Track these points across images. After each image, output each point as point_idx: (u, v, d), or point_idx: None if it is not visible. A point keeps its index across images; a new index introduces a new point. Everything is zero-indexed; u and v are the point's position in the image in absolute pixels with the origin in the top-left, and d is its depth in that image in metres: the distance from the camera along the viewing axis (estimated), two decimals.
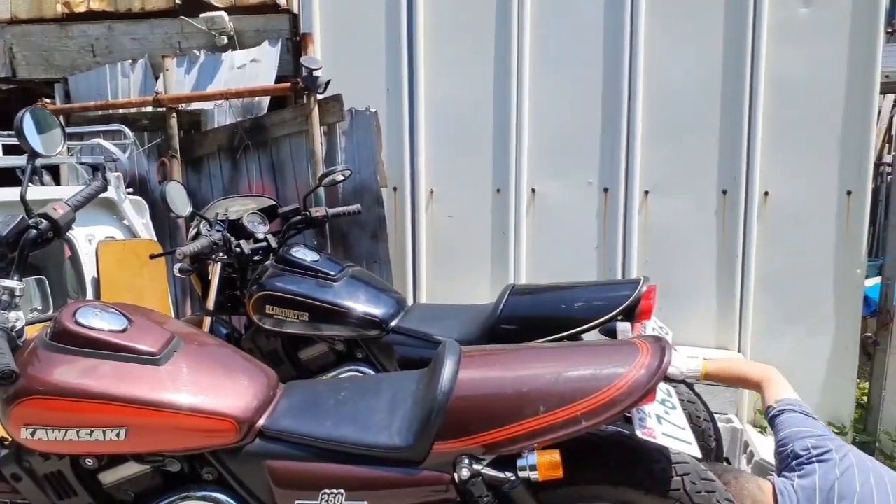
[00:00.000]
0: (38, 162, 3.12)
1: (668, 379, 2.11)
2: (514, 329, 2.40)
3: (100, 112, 4.64)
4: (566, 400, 1.49)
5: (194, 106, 4.52)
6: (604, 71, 4.10)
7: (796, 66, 3.84)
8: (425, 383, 1.63)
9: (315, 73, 3.80)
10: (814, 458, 1.90)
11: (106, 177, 3.29)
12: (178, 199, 2.49)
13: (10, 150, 3.40)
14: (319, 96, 3.96)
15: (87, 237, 2.96)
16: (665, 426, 1.59)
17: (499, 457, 1.53)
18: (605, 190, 4.15)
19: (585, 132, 4.14)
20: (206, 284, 2.85)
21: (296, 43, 4.63)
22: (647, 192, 4.10)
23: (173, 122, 4.32)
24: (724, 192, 3.98)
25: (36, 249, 1.79)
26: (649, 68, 4.03)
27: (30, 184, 1.84)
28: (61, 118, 4.75)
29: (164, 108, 4.34)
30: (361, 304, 2.68)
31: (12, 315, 1.65)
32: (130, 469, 1.70)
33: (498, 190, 4.29)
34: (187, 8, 4.81)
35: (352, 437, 1.59)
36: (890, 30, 10.93)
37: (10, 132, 3.37)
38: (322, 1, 4.42)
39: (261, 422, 1.66)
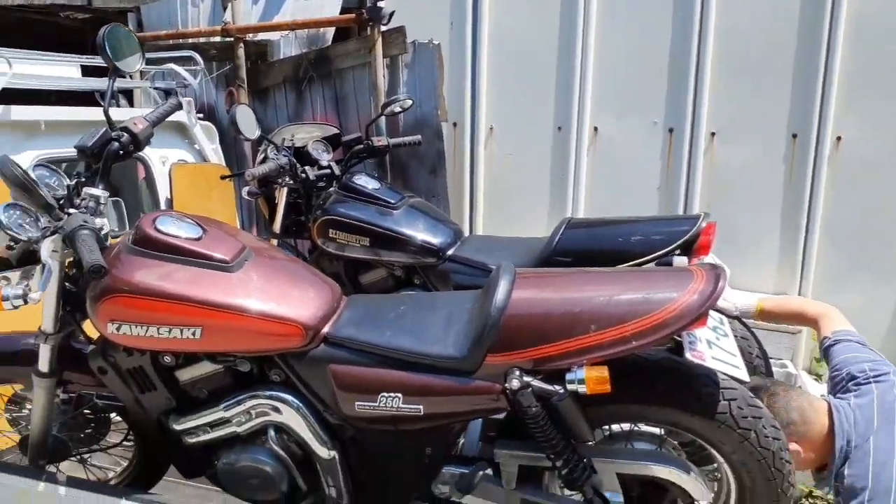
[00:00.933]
0: (115, 85, 3.25)
1: (722, 312, 2.11)
2: (568, 261, 2.43)
3: (171, 41, 4.77)
4: (617, 320, 1.53)
5: (261, 36, 4.59)
6: (674, 7, 3.98)
7: (879, 1, 3.65)
8: (481, 301, 1.70)
9: (379, 4, 3.80)
10: (871, 379, 1.90)
11: (179, 101, 3.41)
12: (247, 123, 2.57)
13: (87, 72, 3.54)
14: (383, 28, 3.97)
15: (160, 159, 3.10)
16: (715, 351, 1.62)
17: (549, 371, 1.59)
18: (671, 130, 4.08)
19: (651, 71, 4.05)
20: (272, 208, 2.96)
21: None
22: (713, 134, 4.01)
23: (241, 52, 4.41)
24: (794, 136, 3.86)
25: (118, 161, 1.90)
26: (721, 4, 3.89)
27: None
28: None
29: (232, 38, 4.43)
30: (420, 233, 2.74)
31: (98, 220, 1.77)
32: (204, 368, 1.83)
33: (559, 128, 4.26)
34: None
35: (410, 347, 1.67)
36: None
37: (89, 55, 3.50)
38: None
39: (325, 329, 1.75)
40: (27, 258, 1.76)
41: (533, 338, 1.58)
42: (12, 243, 1.67)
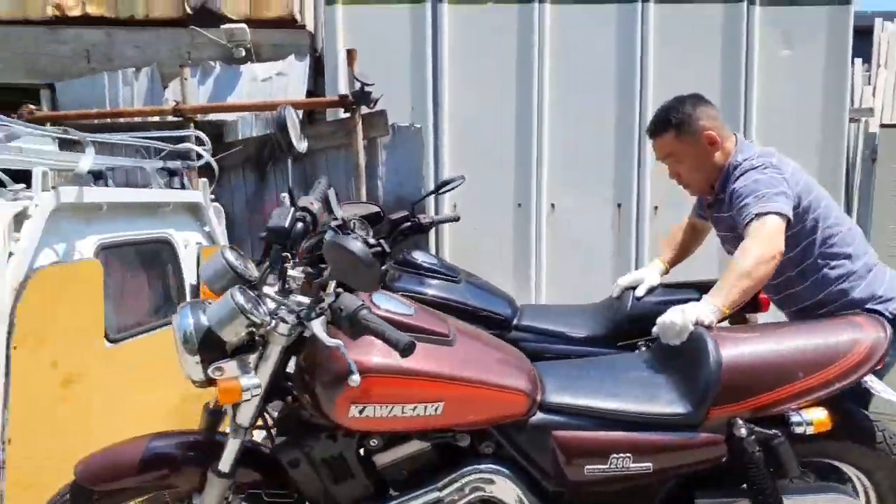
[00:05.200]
0: (107, 164, 3.01)
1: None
2: (645, 325, 2.63)
3: (95, 121, 4.47)
4: (820, 366, 1.77)
5: (213, 117, 4.46)
6: (617, 95, 4.51)
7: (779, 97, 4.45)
8: (691, 361, 1.84)
9: (367, 89, 3.90)
10: None
11: (184, 182, 3.25)
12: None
13: None
14: (366, 111, 4.06)
15: (183, 242, 2.92)
16: (882, 384, 1.91)
17: (766, 417, 1.78)
18: (619, 205, 4.53)
19: (600, 151, 4.52)
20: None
21: (316, 59, 4.70)
22: (656, 208, 4.51)
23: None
24: None
25: (302, 241, 1.85)
26: (657, 94, 4.46)
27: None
28: (48, 125, 4.53)
29: (182, 118, 4.26)
30: (487, 304, 2.82)
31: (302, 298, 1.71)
32: (412, 447, 1.78)
33: (519, 204, 4.55)
34: (196, 18, 4.75)
35: (634, 408, 1.78)
36: None
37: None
38: (346, 18, 4.53)
39: (538, 396, 1.81)
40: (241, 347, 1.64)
41: (750, 389, 1.77)
42: (252, 328, 1.57)
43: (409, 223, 3.07)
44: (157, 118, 4.45)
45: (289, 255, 1.77)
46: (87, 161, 2.21)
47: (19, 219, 1.94)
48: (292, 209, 1.82)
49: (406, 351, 1.47)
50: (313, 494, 1.80)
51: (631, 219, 4.52)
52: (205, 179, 3.12)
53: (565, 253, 4.56)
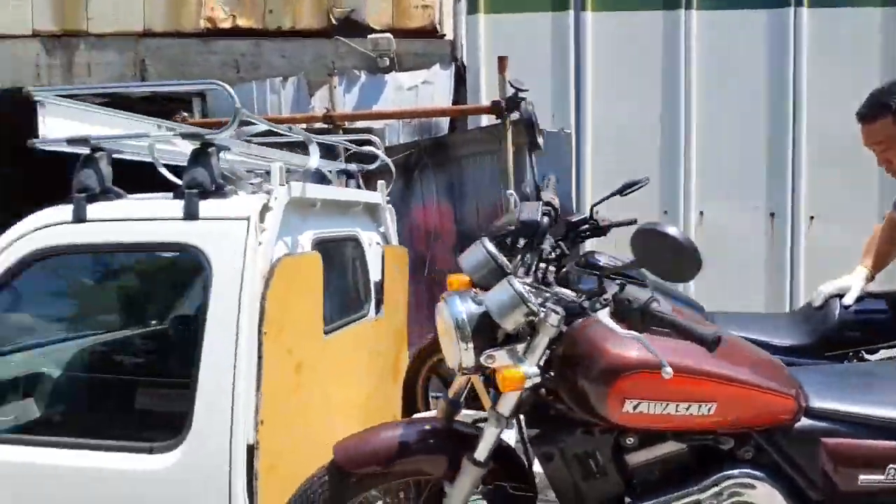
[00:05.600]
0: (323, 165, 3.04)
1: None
2: (857, 336, 2.51)
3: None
4: None
5: (360, 124, 4.54)
6: (768, 101, 4.37)
7: None
8: None
9: (521, 96, 3.89)
10: None
11: (359, 184, 3.30)
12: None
13: None
14: (515, 117, 4.05)
15: (368, 241, 2.96)
16: None
17: None
18: (772, 214, 4.37)
19: (751, 159, 4.37)
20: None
21: (457, 67, 4.74)
22: (812, 218, 4.33)
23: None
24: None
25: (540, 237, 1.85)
26: (812, 101, 4.30)
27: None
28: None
29: (332, 125, 4.35)
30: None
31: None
32: (668, 448, 1.72)
33: (665, 212, 4.45)
34: (340, 29, 4.86)
35: None
36: None
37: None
38: (487, 27, 4.56)
39: (803, 401, 1.72)
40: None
41: None
42: (532, 317, 1.56)
43: (586, 225, 3.03)
44: (304, 125, 4.55)
45: (547, 247, 1.76)
46: (314, 159, 2.27)
47: (263, 211, 1.99)
48: (539, 203, 1.82)
49: (714, 345, 1.42)
50: (563, 490, 1.77)
51: (785, 229, 4.35)
52: (382, 181, 3.17)
53: (715, 262, 4.39)
